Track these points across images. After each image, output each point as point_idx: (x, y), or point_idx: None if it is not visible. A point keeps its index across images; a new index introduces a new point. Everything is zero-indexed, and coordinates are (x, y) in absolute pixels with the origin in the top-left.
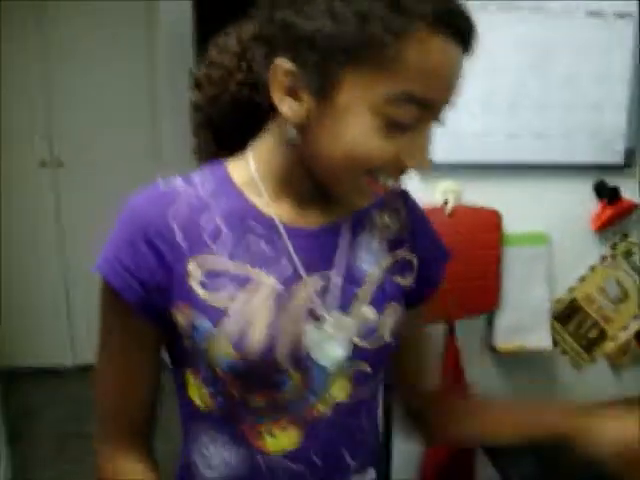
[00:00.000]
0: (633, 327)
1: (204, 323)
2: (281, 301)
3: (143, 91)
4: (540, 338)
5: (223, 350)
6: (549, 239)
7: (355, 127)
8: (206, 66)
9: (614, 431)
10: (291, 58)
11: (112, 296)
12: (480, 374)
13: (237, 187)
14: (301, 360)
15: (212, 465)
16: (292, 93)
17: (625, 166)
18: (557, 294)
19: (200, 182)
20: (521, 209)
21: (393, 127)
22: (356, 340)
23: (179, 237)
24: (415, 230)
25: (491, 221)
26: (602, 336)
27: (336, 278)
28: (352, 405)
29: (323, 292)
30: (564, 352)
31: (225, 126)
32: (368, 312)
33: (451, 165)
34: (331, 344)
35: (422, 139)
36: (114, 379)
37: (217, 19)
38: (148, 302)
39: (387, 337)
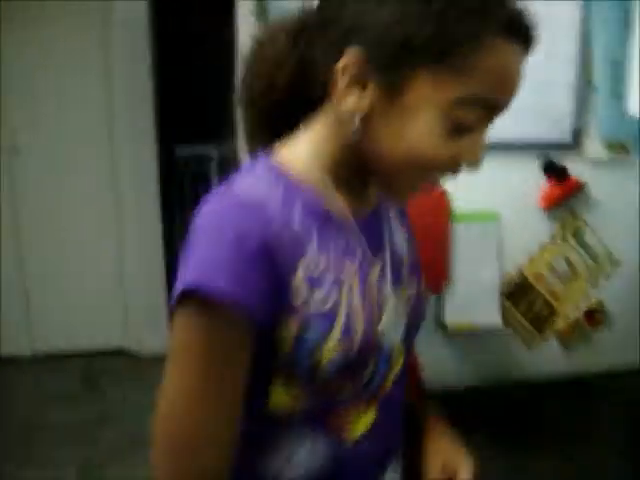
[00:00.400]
0: (583, 305)
1: (317, 329)
2: (364, 290)
3: (99, 84)
4: (490, 316)
5: (333, 349)
6: (499, 217)
7: (421, 126)
8: (253, 62)
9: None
10: (362, 50)
11: (228, 322)
12: (431, 352)
13: (303, 185)
14: (378, 343)
15: (295, 467)
16: (358, 85)
17: (573, 145)
18: (507, 272)
19: (270, 186)
20: (471, 188)
21: (456, 128)
22: (408, 315)
23: (286, 248)
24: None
25: (440, 200)
26: (552, 314)
27: (388, 260)
28: (402, 374)
29: (382, 276)
30: (515, 330)
31: (273, 117)
32: (412, 287)
33: None
34: (396, 325)
35: (481, 140)
36: (216, 412)
37: (172, 17)
38: (264, 322)
39: (424, 306)
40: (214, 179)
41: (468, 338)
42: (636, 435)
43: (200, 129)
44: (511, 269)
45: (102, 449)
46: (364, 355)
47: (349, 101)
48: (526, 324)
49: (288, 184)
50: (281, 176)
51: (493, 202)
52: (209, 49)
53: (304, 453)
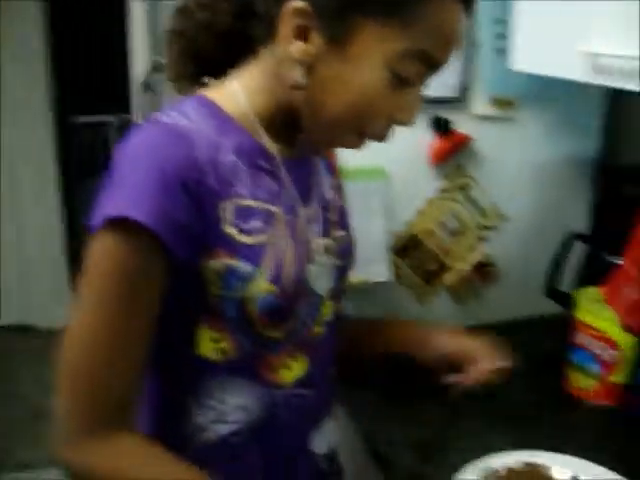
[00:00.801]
0: (472, 259)
1: (244, 266)
2: (292, 233)
3: None
4: (380, 272)
5: (261, 288)
6: (387, 174)
7: (364, 78)
8: None
9: (442, 342)
10: (308, 1)
11: (146, 252)
12: None
13: (236, 122)
14: (307, 288)
15: (228, 418)
16: (303, 34)
17: (460, 101)
18: (396, 228)
19: (200, 119)
20: None
21: (397, 82)
22: (337, 262)
23: (211, 180)
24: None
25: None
26: (442, 269)
27: (316, 207)
28: (334, 321)
29: (310, 221)
30: (406, 286)
31: (209, 54)
32: (341, 234)
33: None
34: (325, 271)
35: (418, 96)
36: (119, 347)
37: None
38: (185, 254)
39: (352, 252)
40: (113, 148)
41: (359, 295)
42: (523, 382)
43: (99, 100)
44: (400, 225)
45: (7, 427)
46: (293, 299)
47: (292, 50)
48: (417, 279)
49: (221, 119)
50: (214, 111)
51: (381, 159)
52: (104, 20)
53: (231, 401)
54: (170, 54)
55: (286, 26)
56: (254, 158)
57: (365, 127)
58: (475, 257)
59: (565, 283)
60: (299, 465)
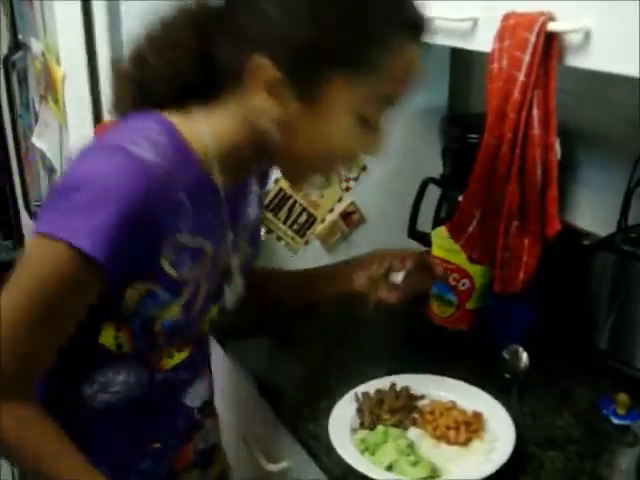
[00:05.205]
0: (338, 208)
1: (164, 294)
2: (215, 264)
3: None
4: None
5: (172, 313)
6: None
7: (337, 128)
8: (160, 28)
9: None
10: (273, 57)
11: (83, 271)
12: None
13: (196, 157)
14: (210, 308)
15: (110, 390)
16: (271, 91)
17: None
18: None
19: (165, 151)
20: None
21: (364, 123)
22: (240, 277)
23: (159, 216)
24: None
25: None
26: (312, 220)
27: (240, 232)
28: (215, 318)
29: (232, 245)
30: (279, 239)
31: (160, 97)
32: (245, 247)
33: None
34: (232, 287)
35: (383, 129)
36: (45, 336)
37: None
38: (119, 278)
39: (257, 251)
40: None
41: None
42: (392, 314)
43: None
44: (269, 184)
45: None
46: (196, 320)
47: (260, 104)
48: (289, 232)
49: (184, 155)
50: (179, 145)
51: None
52: None
53: (116, 377)
54: (118, 92)
55: (252, 80)
56: (202, 195)
57: (340, 165)
58: (341, 206)
59: (425, 223)
60: (177, 419)
